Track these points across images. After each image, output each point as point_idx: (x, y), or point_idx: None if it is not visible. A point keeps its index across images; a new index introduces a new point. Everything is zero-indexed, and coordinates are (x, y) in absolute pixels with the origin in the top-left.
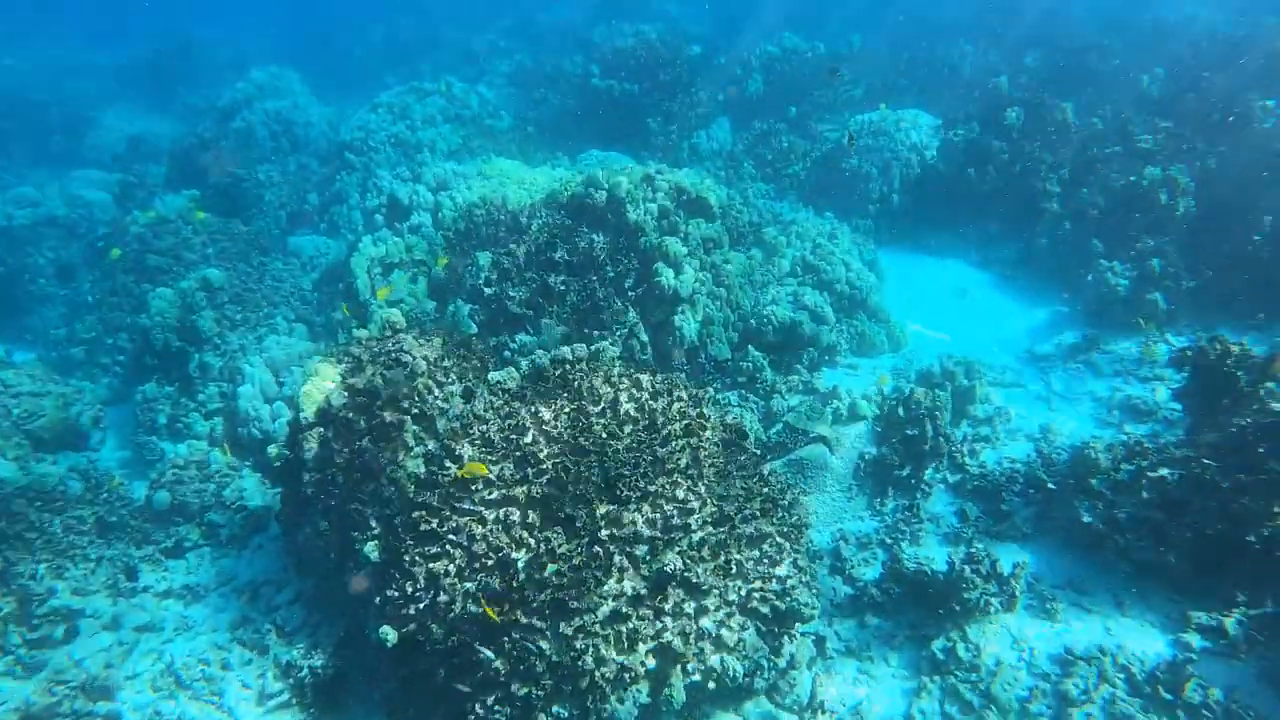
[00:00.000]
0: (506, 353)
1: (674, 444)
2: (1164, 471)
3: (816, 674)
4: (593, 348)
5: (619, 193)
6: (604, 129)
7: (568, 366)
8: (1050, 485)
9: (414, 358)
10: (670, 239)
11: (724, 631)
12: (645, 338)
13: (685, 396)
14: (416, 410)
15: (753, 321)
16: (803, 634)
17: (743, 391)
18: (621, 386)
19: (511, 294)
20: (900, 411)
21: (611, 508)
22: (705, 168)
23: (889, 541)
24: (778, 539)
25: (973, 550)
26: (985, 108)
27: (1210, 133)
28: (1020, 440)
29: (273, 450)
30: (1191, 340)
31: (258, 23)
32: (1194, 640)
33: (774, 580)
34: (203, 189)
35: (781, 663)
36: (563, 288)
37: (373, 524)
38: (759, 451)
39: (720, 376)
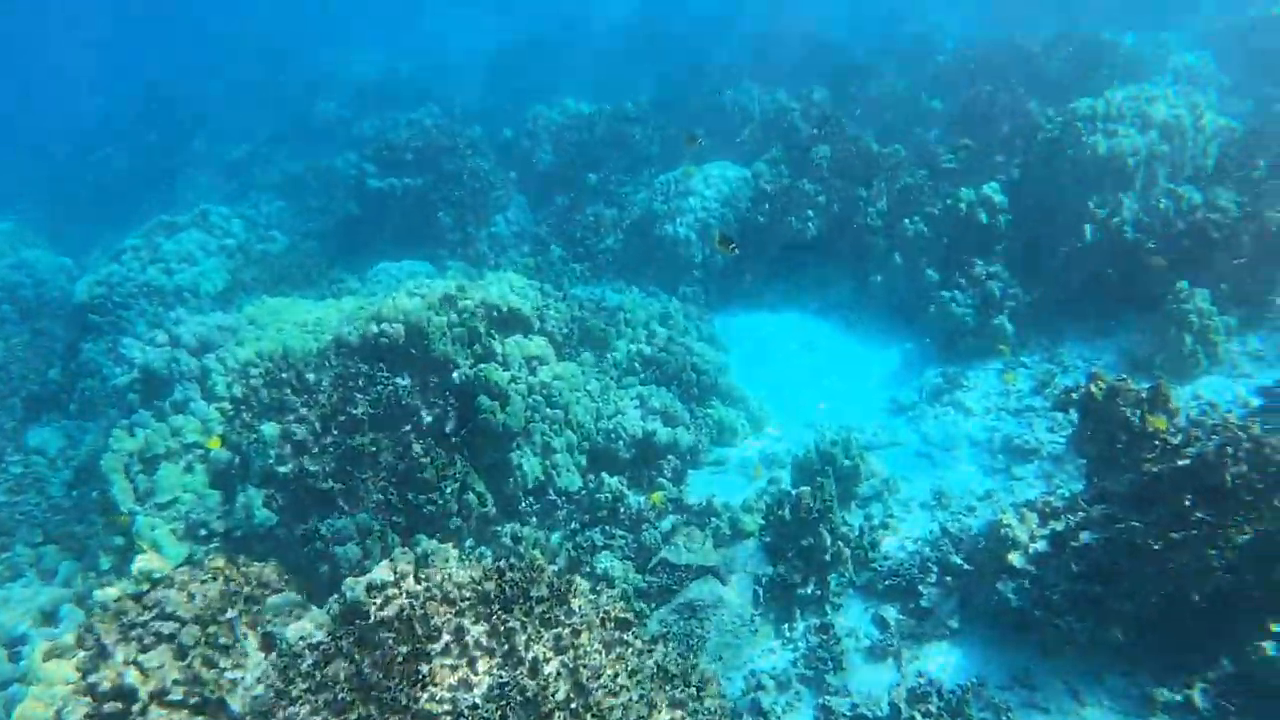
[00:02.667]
0: (319, 543)
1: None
2: (1086, 537)
3: None
4: (421, 549)
5: (418, 322)
6: (392, 233)
7: (392, 599)
8: (966, 567)
9: (183, 623)
10: (488, 367)
11: None
12: (480, 488)
13: (567, 625)
14: (195, 699)
15: (600, 439)
16: None
17: (605, 528)
18: (470, 625)
19: (311, 469)
20: (788, 516)
21: None
22: (510, 258)
23: (811, 675)
24: None
25: (914, 687)
26: (790, 150)
27: (1004, 145)
28: (916, 513)
29: None
30: (1042, 358)
31: None
32: None
33: None
34: None
35: None
36: (373, 449)
37: None
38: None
39: (575, 513)
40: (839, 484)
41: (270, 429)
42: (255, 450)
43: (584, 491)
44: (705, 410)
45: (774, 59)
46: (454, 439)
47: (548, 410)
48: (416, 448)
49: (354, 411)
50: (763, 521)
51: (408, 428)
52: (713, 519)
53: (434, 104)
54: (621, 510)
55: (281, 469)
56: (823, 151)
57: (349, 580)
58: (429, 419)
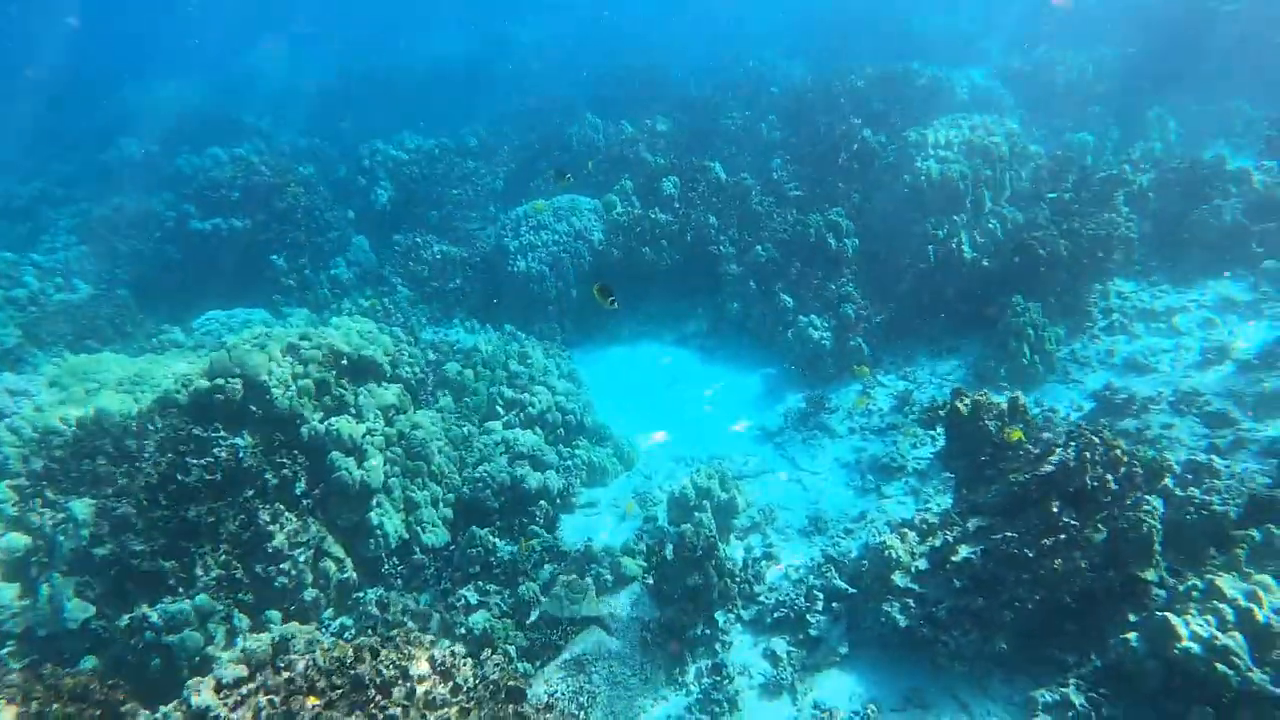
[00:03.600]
0: (149, 633)
1: None
2: (965, 551)
3: None
4: (278, 633)
5: (259, 376)
6: (220, 279)
7: (248, 697)
8: (851, 591)
9: None
10: (340, 420)
11: None
12: (338, 552)
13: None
14: None
15: (466, 490)
16: None
17: (479, 584)
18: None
19: (136, 548)
20: (671, 556)
21: None
22: (354, 301)
23: None
24: None
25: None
26: (639, 182)
27: (844, 173)
28: (795, 540)
29: None
30: (897, 376)
31: None
32: None
33: None
34: None
35: None
36: (210, 519)
37: None
38: (540, 710)
39: (445, 571)
40: (716, 517)
41: (81, 506)
42: (63, 532)
43: (453, 547)
44: (573, 451)
45: (613, 94)
46: (305, 501)
47: (408, 463)
48: (263, 515)
49: (186, 479)
50: (645, 564)
51: (250, 492)
52: (593, 565)
53: (259, 139)
54: (494, 563)
55: (98, 550)
56: (671, 181)
57: (192, 682)
58: (275, 481)
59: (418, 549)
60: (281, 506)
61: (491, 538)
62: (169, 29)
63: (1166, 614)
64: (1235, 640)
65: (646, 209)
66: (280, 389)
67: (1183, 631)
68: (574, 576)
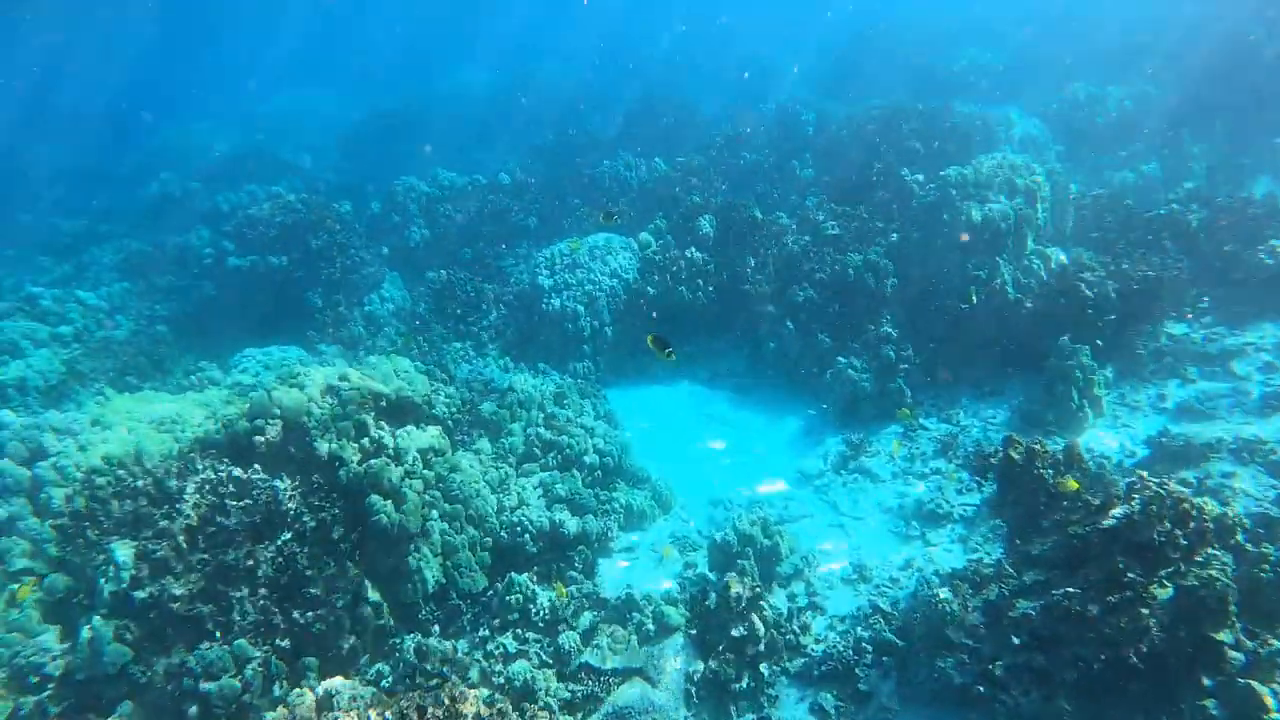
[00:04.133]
0: (187, 679)
1: None
2: (1024, 606)
3: None
4: (321, 690)
5: (299, 418)
6: (258, 315)
7: None
8: (900, 644)
9: None
10: (379, 462)
11: None
12: (375, 597)
13: None
14: None
15: (504, 534)
16: None
17: (518, 632)
18: None
19: (176, 592)
20: (715, 606)
21: None
22: (388, 337)
23: None
24: None
25: None
26: (674, 220)
27: (882, 211)
28: (840, 588)
29: None
30: (939, 419)
31: None
32: None
33: None
34: None
35: None
36: (249, 563)
37: None
38: None
39: (483, 617)
40: (759, 564)
41: (122, 548)
42: (103, 574)
43: (491, 593)
44: (611, 494)
45: (645, 129)
46: (343, 545)
47: (446, 506)
48: (301, 559)
49: (225, 521)
50: (688, 613)
51: (288, 536)
52: (634, 614)
53: (295, 176)
54: (534, 611)
55: (138, 594)
56: (708, 220)
57: None
58: (313, 524)
59: (455, 594)
60: (319, 550)
61: (531, 584)
62: (209, 66)
63: (1252, 683)
64: None
65: (682, 247)
66: (320, 430)
67: (1270, 702)
68: (616, 626)
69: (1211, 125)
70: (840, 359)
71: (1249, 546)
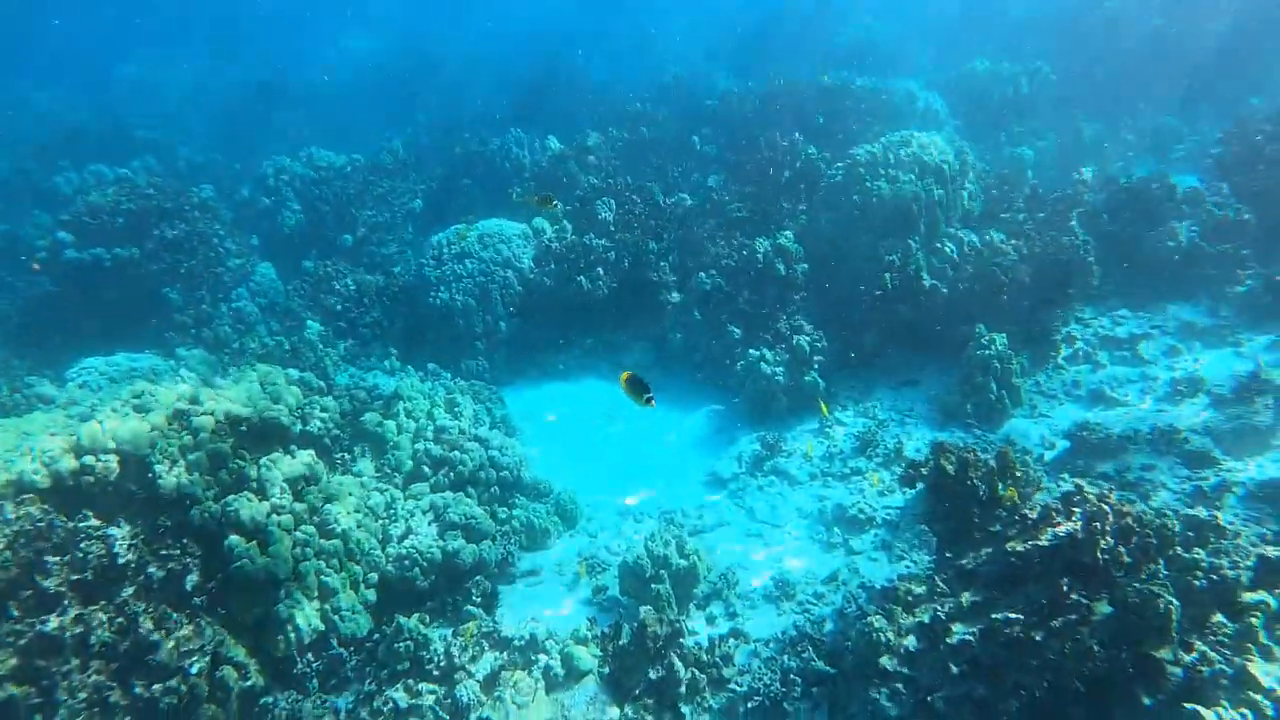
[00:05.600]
0: None
1: None
2: (961, 631)
3: None
4: None
5: (139, 450)
6: (104, 316)
7: None
8: (830, 671)
9: None
10: (239, 499)
11: None
12: (240, 655)
13: None
14: None
15: (391, 569)
16: None
17: (408, 682)
18: None
19: None
20: (629, 645)
21: None
22: (259, 337)
23: None
24: None
25: None
26: (572, 203)
27: (789, 192)
28: (762, 608)
29: None
30: (855, 412)
31: None
32: None
33: None
34: None
35: None
36: (78, 630)
37: None
38: None
39: (370, 666)
40: (675, 588)
41: None
42: None
43: (376, 636)
44: (510, 512)
45: (539, 104)
46: (199, 598)
47: (322, 543)
48: (145, 619)
49: (46, 583)
50: (600, 652)
51: (129, 592)
52: (539, 656)
53: (150, 155)
54: (427, 658)
55: None
56: (607, 203)
57: None
58: (161, 575)
59: (335, 641)
60: (168, 608)
61: (422, 629)
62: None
63: (1197, 708)
64: None
65: (580, 234)
66: (165, 465)
67: None
68: (520, 673)
69: (1101, 102)
70: (751, 351)
71: (1181, 552)
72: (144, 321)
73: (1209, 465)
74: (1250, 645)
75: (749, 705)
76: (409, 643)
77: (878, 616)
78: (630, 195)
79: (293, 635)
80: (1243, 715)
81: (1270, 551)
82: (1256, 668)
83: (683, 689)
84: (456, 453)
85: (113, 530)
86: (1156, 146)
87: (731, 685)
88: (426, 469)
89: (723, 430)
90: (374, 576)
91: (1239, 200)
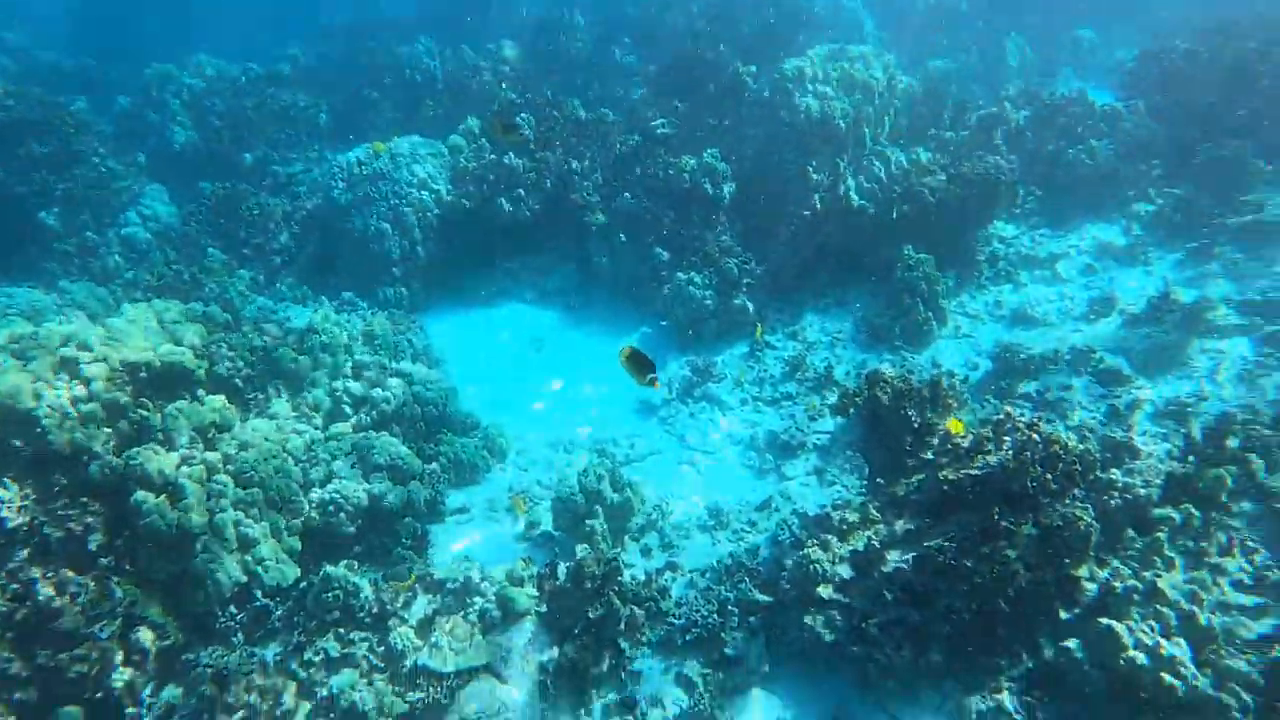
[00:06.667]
0: None
1: None
2: (895, 558)
3: None
4: None
5: (20, 404)
6: None
7: None
8: (767, 599)
9: None
10: (144, 452)
11: None
12: (155, 615)
13: None
14: None
15: (315, 516)
16: None
17: (339, 632)
18: None
19: None
20: (567, 584)
21: None
22: (151, 266)
23: None
24: None
25: None
26: (489, 120)
27: (714, 107)
28: (696, 537)
29: None
30: (785, 335)
31: None
32: None
33: None
34: None
35: None
36: None
37: None
38: None
39: (298, 616)
40: (610, 522)
41: None
42: None
43: (304, 586)
44: (437, 449)
45: (448, 8)
46: (105, 559)
47: (239, 492)
48: (44, 587)
49: None
50: (536, 593)
51: (23, 555)
52: (475, 598)
53: (4, 58)
54: (358, 605)
55: None
56: (525, 119)
57: None
58: (59, 536)
59: (260, 591)
60: (71, 571)
61: (351, 576)
62: None
63: (1112, 623)
64: (1181, 649)
65: (499, 153)
66: (54, 419)
67: (1128, 641)
68: (455, 618)
69: (1025, 16)
70: (679, 274)
71: (1099, 473)
72: (18, 251)
73: (1121, 384)
74: (1157, 559)
75: (687, 638)
76: (338, 591)
77: (814, 547)
78: (550, 111)
79: (213, 590)
80: (1150, 627)
81: (1178, 469)
82: (1165, 582)
83: (622, 626)
84: (378, 390)
85: (2, 490)
86: (1076, 61)
87: (670, 618)
88: (347, 408)
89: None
90: (297, 524)
91: (1153, 119)
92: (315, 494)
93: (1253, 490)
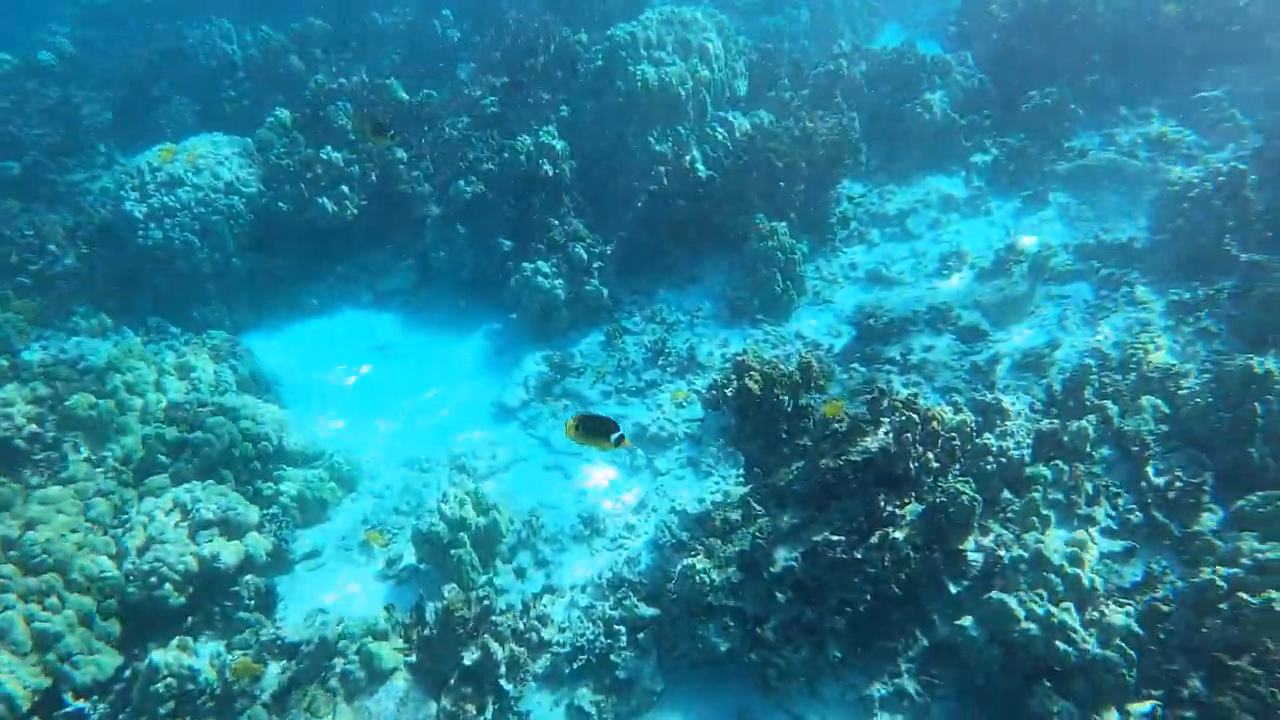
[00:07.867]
0: None
1: None
2: (784, 556)
3: None
4: None
5: None
6: None
7: None
8: (653, 613)
9: None
10: None
11: None
12: None
13: None
14: None
15: (133, 590)
16: None
17: None
18: None
19: None
20: (435, 632)
21: None
22: None
23: None
24: None
25: None
26: (301, 110)
27: (546, 81)
28: (571, 549)
29: None
30: (641, 318)
31: None
32: None
33: None
34: None
35: None
36: None
37: None
38: None
39: (125, 715)
40: (478, 548)
41: None
42: None
43: (125, 678)
44: (276, 489)
45: None
46: None
47: (28, 582)
48: None
49: None
50: (404, 643)
51: None
52: (335, 659)
53: None
54: (195, 690)
55: None
56: (343, 107)
57: None
58: None
59: (67, 694)
60: None
61: (184, 659)
62: None
63: (1004, 597)
64: (1070, 615)
65: (315, 146)
66: None
67: (1019, 613)
68: (315, 687)
69: None
70: (525, 263)
71: (974, 439)
72: None
73: (980, 339)
74: (1034, 518)
75: (575, 665)
76: (169, 680)
77: (698, 557)
78: (368, 95)
79: (2, 708)
80: (1039, 596)
81: (1044, 425)
82: (1048, 547)
83: (502, 669)
84: (199, 432)
85: None
86: (900, 15)
87: (554, 646)
88: (163, 457)
89: (504, 352)
90: (112, 604)
91: (980, 69)
92: (131, 564)
93: (1110, 436)
